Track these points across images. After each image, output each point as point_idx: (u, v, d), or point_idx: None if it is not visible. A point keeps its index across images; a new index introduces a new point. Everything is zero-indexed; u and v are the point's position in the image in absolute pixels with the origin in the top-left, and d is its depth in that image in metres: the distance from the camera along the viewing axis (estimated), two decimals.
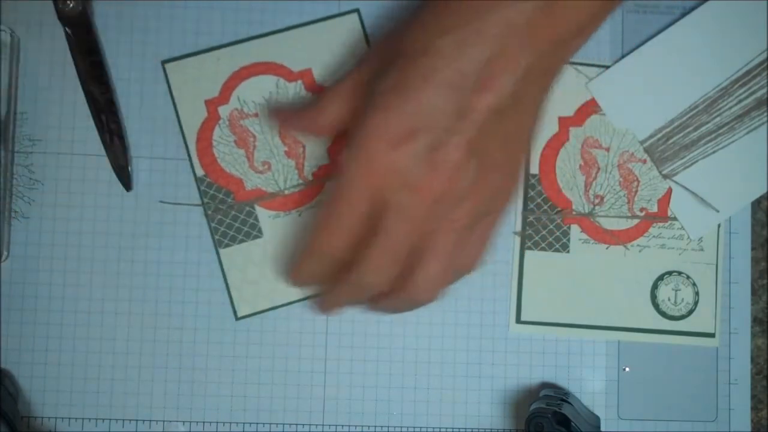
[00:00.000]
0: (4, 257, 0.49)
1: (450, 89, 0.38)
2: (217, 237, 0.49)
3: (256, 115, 0.50)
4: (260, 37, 0.50)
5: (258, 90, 0.50)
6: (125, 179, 0.49)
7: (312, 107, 0.45)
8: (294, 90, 0.50)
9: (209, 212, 0.49)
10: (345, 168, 0.39)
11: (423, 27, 0.40)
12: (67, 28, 0.48)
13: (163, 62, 0.50)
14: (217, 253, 0.49)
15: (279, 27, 0.50)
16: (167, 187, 0.49)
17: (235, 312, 0.49)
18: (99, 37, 0.49)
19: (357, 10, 0.50)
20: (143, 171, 0.49)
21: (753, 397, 0.50)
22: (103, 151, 0.49)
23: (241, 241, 0.49)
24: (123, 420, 0.49)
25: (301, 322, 0.49)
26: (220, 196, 0.49)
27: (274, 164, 0.50)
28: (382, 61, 0.41)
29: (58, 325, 0.49)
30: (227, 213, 0.49)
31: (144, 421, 0.49)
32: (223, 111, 0.50)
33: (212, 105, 0.50)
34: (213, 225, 0.49)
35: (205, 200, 0.49)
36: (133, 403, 0.49)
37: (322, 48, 0.50)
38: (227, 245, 0.49)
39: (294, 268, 0.43)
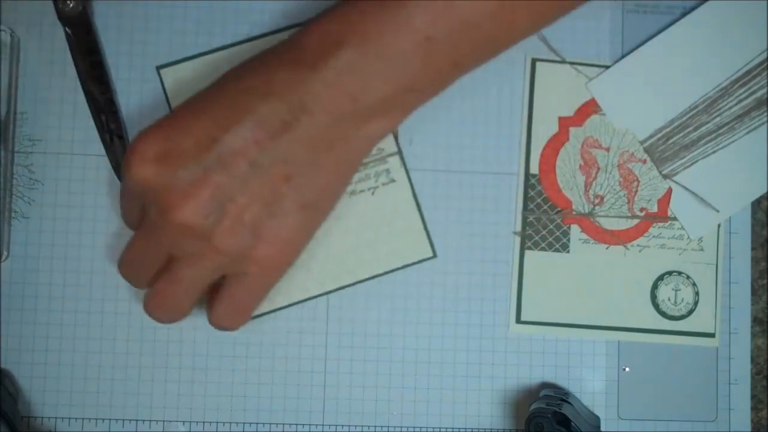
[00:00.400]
0: (4, 257, 0.49)
1: (213, 127, 0.39)
2: None
3: None
4: (255, 39, 0.50)
5: None
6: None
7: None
8: None
9: None
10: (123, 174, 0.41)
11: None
12: (67, 28, 0.48)
13: (158, 67, 0.50)
14: None
15: (273, 28, 0.50)
16: None
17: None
18: (99, 37, 0.49)
19: None
20: None
21: (753, 397, 0.50)
22: (103, 151, 0.49)
23: None
24: (123, 420, 0.49)
25: (301, 322, 0.49)
26: None
27: None
28: None
29: (58, 325, 0.49)
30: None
31: (144, 421, 0.49)
32: None
33: None
34: None
35: None
36: (133, 403, 0.49)
37: None
38: None
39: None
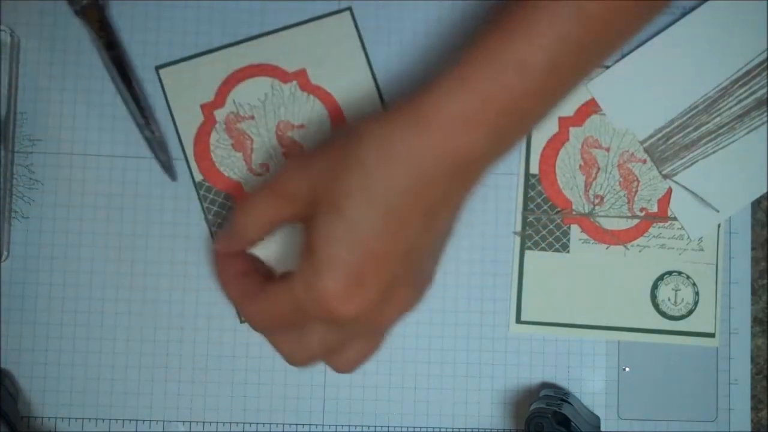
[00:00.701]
0: (4, 257, 0.49)
1: (397, 239, 0.38)
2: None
3: (252, 117, 0.50)
4: (254, 39, 0.50)
5: (253, 92, 0.50)
6: (170, 170, 0.49)
7: (233, 226, 0.43)
8: (289, 91, 0.50)
9: (209, 217, 0.49)
10: (298, 297, 0.39)
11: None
12: (85, 22, 0.48)
13: (157, 67, 0.50)
14: None
15: (272, 28, 0.50)
16: (167, 188, 0.50)
17: (239, 315, 0.49)
18: (115, 32, 0.48)
19: (349, 8, 0.50)
20: (143, 171, 0.49)
21: (753, 397, 0.50)
22: (102, 151, 0.49)
23: None
24: (123, 420, 0.49)
25: None
26: (220, 200, 0.49)
27: (272, 166, 0.50)
28: (320, 175, 0.40)
29: (58, 325, 0.49)
30: (228, 218, 0.49)
31: (144, 421, 0.49)
32: (219, 115, 0.50)
33: (208, 109, 0.50)
34: (214, 230, 0.49)
35: (205, 204, 0.49)
36: (133, 403, 0.49)
37: (315, 47, 0.50)
38: None
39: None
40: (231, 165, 0.50)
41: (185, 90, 0.50)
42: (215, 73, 0.50)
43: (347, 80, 0.50)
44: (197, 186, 0.49)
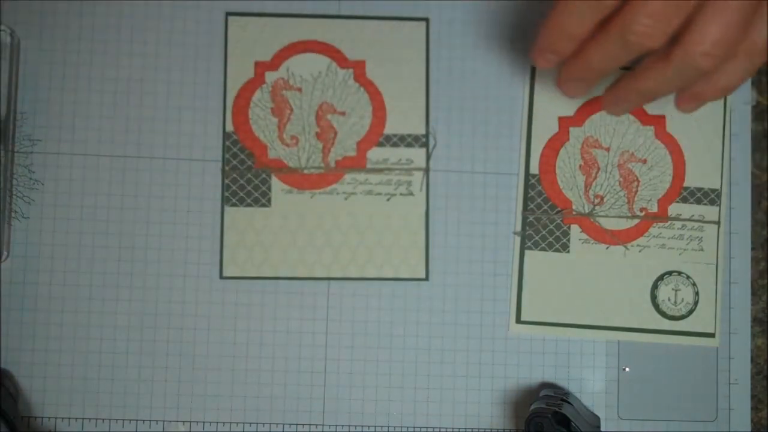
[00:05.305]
0: (4, 257, 0.49)
1: None
2: (226, 194, 0.50)
3: (300, 89, 0.50)
4: (327, 18, 0.50)
5: (309, 66, 0.50)
6: None
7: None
8: (342, 77, 0.50)
9: (226, 168, 0.49)
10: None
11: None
12: None
13: (228, 14, 0.50)
14: (222, 216, 0.49)
15: (348, 13, 0.50)
16: (168, 188, 0.50)
17: (221, 270, 0.49)
18: None
19: (426, 20, 0.50)
20: (143, 171, 0.49)
21: (753, 397, 0.50)
22: (103, 151, 0.49)
23: (248, 205, 0.50)
24: (123, 420, 0.49)
25: (301, 321, 0.49)
26: (241, 156, 0.50)
27: (302, 141, 0.50)
28: None
29: (58, 325, 0.49)
30: (243, 174, 0.50)
31: (144, 421, 0.49)
32: (270, 77, 0.50)
33: (261, 68, 0.50)
34: (226, 182, 0.50)
35: (226, 156, 0.50)
36: (133, 403, 0.49)
37: (382, 45, 0.50)
38: (234, 205, 0.50)
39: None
40: (264, 127, 0.50)
41: (246, 43, 0.50)
42: (279, 37, 0.50)
43: (401, 86, 0.50)
44: (225, 136, 0.50)
